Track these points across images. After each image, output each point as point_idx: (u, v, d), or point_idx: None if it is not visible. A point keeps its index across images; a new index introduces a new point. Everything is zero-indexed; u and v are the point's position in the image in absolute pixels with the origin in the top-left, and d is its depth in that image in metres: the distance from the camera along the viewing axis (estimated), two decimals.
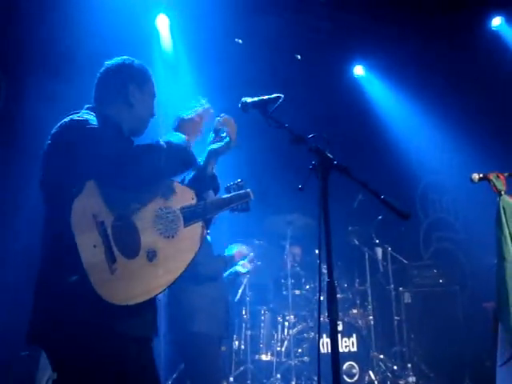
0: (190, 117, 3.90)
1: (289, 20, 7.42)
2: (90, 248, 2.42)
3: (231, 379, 5.86)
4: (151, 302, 2.68)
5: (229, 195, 3.14)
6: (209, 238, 4.15)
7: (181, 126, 3.86)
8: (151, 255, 2.60)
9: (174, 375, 5.82)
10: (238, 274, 4.79)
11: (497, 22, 8.06)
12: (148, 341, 2.73)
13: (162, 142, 2.63)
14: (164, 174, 2.70)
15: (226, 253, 4.56)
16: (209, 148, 3.08)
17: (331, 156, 2.32)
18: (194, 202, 2.85)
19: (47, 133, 2.65)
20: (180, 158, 2.70)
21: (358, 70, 8.52)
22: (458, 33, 7.63)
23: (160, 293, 2.65)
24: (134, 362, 2.59)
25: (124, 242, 2.52)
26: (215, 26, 6.68)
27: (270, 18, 7.27)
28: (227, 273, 4.68)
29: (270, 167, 6.60)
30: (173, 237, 2.71)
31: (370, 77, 8.55)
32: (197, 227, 2.84)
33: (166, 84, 6.79)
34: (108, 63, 2.85)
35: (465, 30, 7.68)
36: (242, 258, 4.78)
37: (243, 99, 2.65)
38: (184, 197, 2.82)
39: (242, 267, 4.77)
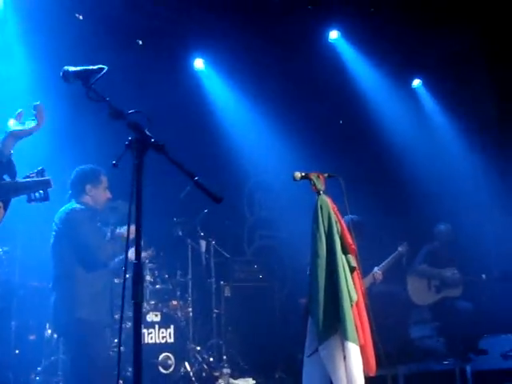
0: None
1: (132, 3, 7.19)
2: None
3: (39, 369, 5.56)
4: None
5: (27, 179, 3.10)
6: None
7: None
8: None
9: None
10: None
11: (334, 35, 8.49)
12: None
13: None
14: None
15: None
16: (8, 130, 2.97)
17: (149, 133, 2.25)
18: None
19: None
20: None
21: (198, 64, 8.50)
22: (297, 42, 7.94)
23: None
24: None
25: None
26: None
27: None
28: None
29: (93, 152, 6.34)
30: None
31: (210, 72, 8.57)
32: None
33: None
34: None
35: (304, 40, 8.00)
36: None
37: (65, 67, 2.47)
38: None
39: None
